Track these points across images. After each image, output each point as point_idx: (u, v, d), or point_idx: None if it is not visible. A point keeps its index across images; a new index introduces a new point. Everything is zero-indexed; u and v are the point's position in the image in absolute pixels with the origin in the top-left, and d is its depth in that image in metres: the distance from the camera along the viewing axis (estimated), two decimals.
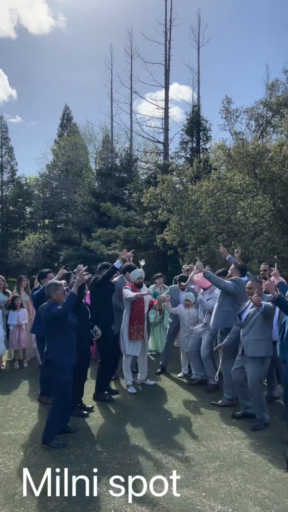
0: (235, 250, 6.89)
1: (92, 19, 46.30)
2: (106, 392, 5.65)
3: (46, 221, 34.42)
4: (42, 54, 51.72)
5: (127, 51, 26.70)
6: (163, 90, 21.57)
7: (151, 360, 7.50)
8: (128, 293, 5.64)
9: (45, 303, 4.39)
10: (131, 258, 6.31)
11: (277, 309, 4.82)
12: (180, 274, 7.19)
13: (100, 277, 5.65)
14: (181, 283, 6.84)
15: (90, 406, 5.24)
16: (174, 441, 4.37)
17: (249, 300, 4.77)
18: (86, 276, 4.39)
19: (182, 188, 12.30)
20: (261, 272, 6.18)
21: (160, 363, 6.98)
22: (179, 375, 6.69)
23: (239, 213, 10.68)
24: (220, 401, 5.41)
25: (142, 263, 6.68)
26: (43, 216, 34.66)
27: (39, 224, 35.56)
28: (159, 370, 6.82)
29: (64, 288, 4.46)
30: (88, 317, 5.12)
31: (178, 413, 5.16)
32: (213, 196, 10.77)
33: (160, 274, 8.16)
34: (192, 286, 6.72)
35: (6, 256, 29.71)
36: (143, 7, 40.36)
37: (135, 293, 5.62)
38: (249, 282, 4.87)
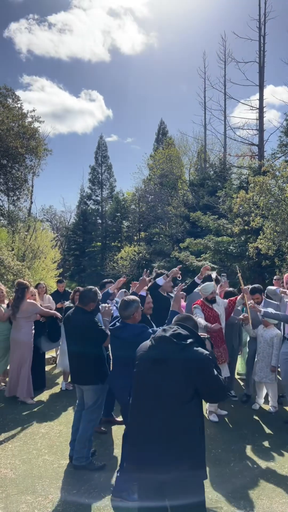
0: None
1: (183, 30, 46.54)
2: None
3: (142, 234, 35.00)
4: (134, 72, 53.83)
5: (220, 56, 25.87)
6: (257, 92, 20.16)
7: (239, 385, 6.50)
8: (199, 321, 4.75)
9: (113, 322, 3.54)
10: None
11: None
12: (253, 285, 5.88)
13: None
14: (258, 295, 5.59)
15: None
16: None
17: None
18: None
19: (278, 190, 10.95)
20: None
21: (245, 391, 5.98)
22: (252, 406, 5.59)
23: None
24: None
25: (214, 275, 5.91)
26: (138, 229, 35.33)
27: (135, 237, 36.34)
28: (244, 399, 5.82)
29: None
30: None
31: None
32: None
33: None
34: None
35: (104, 268, 30.86)
36: (235, 6, 38.90)
37: (205, 324, 4.79)
38: None
